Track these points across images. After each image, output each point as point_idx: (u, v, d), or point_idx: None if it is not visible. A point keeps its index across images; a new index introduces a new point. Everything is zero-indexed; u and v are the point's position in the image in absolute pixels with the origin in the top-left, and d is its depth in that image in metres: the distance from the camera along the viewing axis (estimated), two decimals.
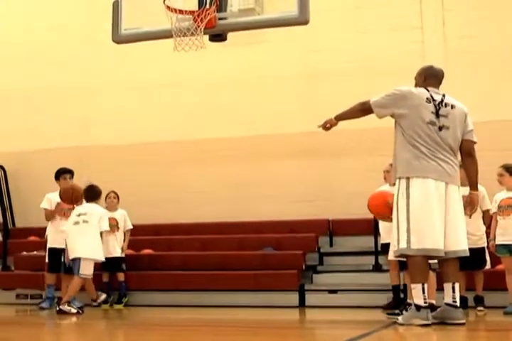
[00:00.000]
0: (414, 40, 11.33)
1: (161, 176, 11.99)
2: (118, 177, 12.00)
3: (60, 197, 8.98)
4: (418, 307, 5.88)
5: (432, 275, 6.75)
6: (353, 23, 11.66)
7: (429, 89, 6.26)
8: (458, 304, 5.98)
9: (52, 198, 9.30)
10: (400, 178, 6.05)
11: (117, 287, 9.68)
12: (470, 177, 6.27)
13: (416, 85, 6.43)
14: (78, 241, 8.40)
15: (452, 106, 6.19)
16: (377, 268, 9.68)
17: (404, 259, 6.20)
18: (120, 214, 9.93)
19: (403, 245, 5.91)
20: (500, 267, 8.34)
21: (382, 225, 8.51)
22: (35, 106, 12.92)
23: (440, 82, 6.40)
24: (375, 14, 11.57)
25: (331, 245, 10.88)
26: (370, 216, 9.28)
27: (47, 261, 9.18)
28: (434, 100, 6.15)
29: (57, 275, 9.12)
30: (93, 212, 8.59)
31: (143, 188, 11.84)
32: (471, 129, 6.27)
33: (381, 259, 9.46)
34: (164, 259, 10.46)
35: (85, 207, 8.71)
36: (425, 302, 5.88)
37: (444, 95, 6.25)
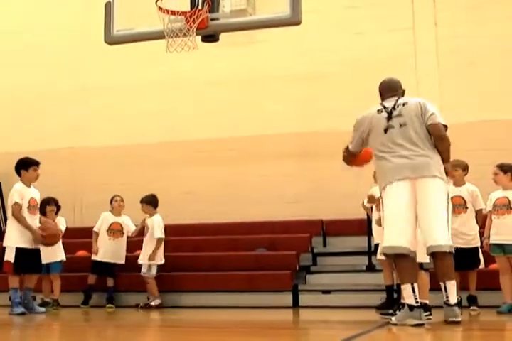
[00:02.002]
0: (407, 41, 11.36)
1: (153, 177, 11.97)
2: (110, 178, 12.01)
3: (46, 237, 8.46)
4: (411, 307, 5.88)
5: (425, 275, 6.76)
6: (346, 23, 11.68)
7: (383, 102, 6.39)
8: (451, 302, 5.91)
9: (21, 190, 8.39)
10: (382, 190, 6.20)
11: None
12: (441, 154, 6.17)
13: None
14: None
15: (404, 104, 6.23)
16: (370, 268, 9.69)
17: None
18: (125, 220, 10.00)
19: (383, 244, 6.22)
20: (493, 266, 8.35)
21: (375, 226, 8.53)
22: (27, 107, 12.90)
23: (396, 92, 6.42)
24: (368, 15, 11.59)
25: (325, 245, 10.88)
26: (364, 216, 9.35)
27: (11, 261, 8.13)
28: (385, 108, 6.28)
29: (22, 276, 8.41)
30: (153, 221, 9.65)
31: (135, 189, 11.78)
32: (432, 113, 6.15)
33: (374, 259, 9.44)
34: None
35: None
36: (417, 302, 5.88)
37: (397, 100, 6.31)
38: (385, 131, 6.14)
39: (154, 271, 9.60)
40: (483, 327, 6.08)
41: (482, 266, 8.19)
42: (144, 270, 9.60)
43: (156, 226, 9.68)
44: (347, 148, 6.58)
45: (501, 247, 7.88)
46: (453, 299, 5.91)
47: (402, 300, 6.51)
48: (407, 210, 5.95)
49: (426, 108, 6.16)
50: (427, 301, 6.49)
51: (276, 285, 9.60)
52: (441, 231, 5.90)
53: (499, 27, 10.99)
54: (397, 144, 6.09)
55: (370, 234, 9.25)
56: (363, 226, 9.62)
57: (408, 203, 5.95)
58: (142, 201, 9.84)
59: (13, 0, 13.57)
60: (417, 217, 5.98)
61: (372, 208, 8.73)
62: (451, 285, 5.93)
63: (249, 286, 9.67)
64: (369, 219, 9.12)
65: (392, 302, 8.34)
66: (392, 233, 5.97)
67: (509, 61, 10.88)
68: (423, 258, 6.30)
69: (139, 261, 9.66)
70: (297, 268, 10.05)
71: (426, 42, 11.35)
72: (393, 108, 6.21)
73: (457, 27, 11.12)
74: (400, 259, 5.97)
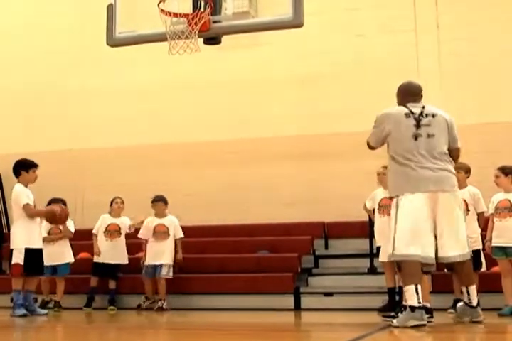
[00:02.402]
0: (408, 43, 11.36)
1: (153, 179, 11.97)
2: (110, 179, 12.02)
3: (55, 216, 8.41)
4: (412, 308, 5.92)
5: (426, 279, 6.78)
6: (348, 26, 11.68)
7: (407, 105, 6.41)
8: (474, 304, 6.18)
9: (26, 191, 8.37)
10: (395, 196, 6.27)
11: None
12: None
13: (398, 104, 6.59)
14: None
15: (433, 115, 6.34)
16: (372, 270, 9.68)
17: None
18: (124, 221, 10.00)
19: (390, 251, 6.19)
20: (495, 269, 8.34)
21: (377, 228, 8.52)
22: (27, 108, 12.91)
23: (418, 96, 6.54)
24: (370, 17, 11.59)
25: (326, 248, 10.88)
26: (365, 218, 9.35)
27: (21, 263, 8.13)
28: (413, 113, 6.31)
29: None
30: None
31: (135, 191, 11.81)
32: (456, 135, 6.44)
33: (376, 262, 9.42)
34: None
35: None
36: (419, 303, 5.93)
37: (423, 107, 6.39)
38: (415, 138, 6.24)
39: (171, 272, 9.60)
40: (485, 329, 6.07)
41: (484, 268, 8.18)
42: (164, 272, 9.50)
43: (178, 226, 9.72)
44: (368, 144, 6.61)
45: (503, 250, 7.87)
46: (475, 301, 6.19)
47: (404, 303, 6.53)
48: (427, 220, 6.12)
49: (453, 127, 6.42)
50: (427, 304, 6.50)
51: (278, 287, 9.60)
52: (464, 242, 6.25)
53: (501, 29, 11.00)
54: (421, 154, 6.22)
55: (372, 237, 9.24)
56: (365, 229, 9.62)
57: (428, 214, 6.13)
58: (160, 200, 9.78)
59: (13, 1, 13.59)
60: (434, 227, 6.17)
61: (374, 210, 8.73)
62: (473, 290, 6.22)
63: (251, 288, 9.66)
64: (371, 222, 9.11)
65: (394, 304, 8.33)
66: (420, 243, 6.06)
67: (510, 63, 10.88)
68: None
69: (162, 262, 9.52)
70: (299, 270, 10.05)
71: (428, 44, 11.36)
72: (421, 115, 6.31)
73: (459, 29, 11.12)
74: (407, 262, 6.05)
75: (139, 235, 9.81)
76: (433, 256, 6.09)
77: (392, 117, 6.36)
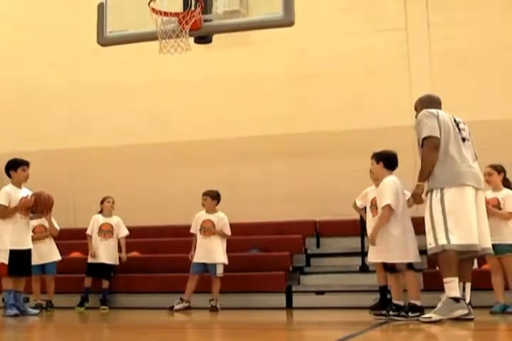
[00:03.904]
0: (399, 41, 11.38)
1: (148, 178, 11.98)
2: (104, 179, 11.99)
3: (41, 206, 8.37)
4: (456, 299, 6.10)
5: (414, 275, 6.83)
6: (339, 24, 11.68)
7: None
8: (467, 301, 6.30)
9: (10, 192, 8.36)
10: (436, 188, 6.40)
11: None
12: None
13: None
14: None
15: (464, 123, 6.69)
16: (364, 269, 9.68)
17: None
18: (116, 220, 9.96)
19: (443, 241, 6.21)
20: (486, 267, 8.36)
21: (369, 226, 8.54)
22: (19, 107, 12.86)
23: (438, 104, 6.82)
24: (361, 16, 11.60)
25: (318, 246, 10.89)
26: (357, 217, 9.36)
27: (5, 262, 8.12)
28: (452, 117, 6.61)
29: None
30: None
31: (130, 190, 11.81)
32: None
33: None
34: (151, 262, 10.46)
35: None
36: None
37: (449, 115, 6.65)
38: (463, 140, 6.54)
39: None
40: (477, 327, 6.09)
41: (475, 266, 8.19)
42: (220, 270, 9.22)
43: (226, 223, 9.40)
44: (429, 145, 6.45)
45: (492, 248, 7.85)
46: (468, 298, 6.38)
47: (394, 301, 6.58)
48: (472, 213, 6.35)
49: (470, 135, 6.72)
50: (418, 302, 6.53)
51: (270, 286, 9.61)
52: (489, 238, 6.59)
53: (492, 27, 11.02)
54: (464, 156, 6.48)
55: (363, 235, 9.26)
56: (357, 227, 9.63)
57: (472, 208, 6.36)
58: (206, 194, 9.42)
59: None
60: None
61: (365, 209, 8.74)
62: (469, 287, 6.42)
63: (242, 287, 9.66)
64: (362, 220, 9.13)
65: (385, 302, 8.37)
66: (469, 231, 6.27)
67: (502, 61, 10.91)
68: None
69: (218, 261, 9.21)
70: (291, 269, 10.06)
71: (418, 42, 11.37)
72: (455, 120, 6.59)
73: (450, 27, 11.14)
74: (455, 256, 6.21)
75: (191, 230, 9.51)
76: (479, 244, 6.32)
77: (437, 115, 6.52)
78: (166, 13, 7.27)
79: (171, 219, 11.29)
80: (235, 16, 7.39)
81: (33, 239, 9.04)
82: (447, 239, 6.17)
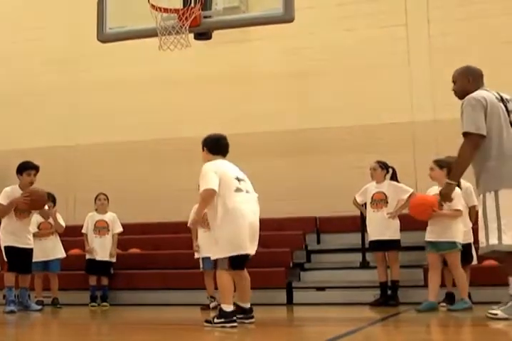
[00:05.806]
0: (399, 37, 11.37)
1: (146, 175, 11.98)
2: (103, 175, 12.00)
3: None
4: None
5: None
6: (339, 20, 11.67)
7: (485, 88, 6.12)
8: None
9: (10, 192, 8.39)
10: (488, 191, 5.91)
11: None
12: None
13: (460, 87, 6.37)
14: None
15: (510, 100, 6.07)
16: (364, 265, 9.70)
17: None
18: (111, 217, 9.92)
19: (494, 241, 5.83)
20: (486, 263, 8.36)
21: (369, 222, 8.55)
22: (18, 105, 12.86)
23: (482, 79, 6.29)
24: (361, 12, 11.59)
25: (318, 242, 10.89)
26: (357, 213, 9.36)
27: (5, 260, 8.36)
28: (500, 97, 6.04)
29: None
30: None
31: (128, 187, 11.81)
32: None
33: (368, 256, 9.48)
34: (152, 258, 10.46)
35: None
36: None
37: (493, 91, 6.08)
38: (509, 123, 5.93)
39: None
40: (475, 322, 6.09)
41: (475, 262, 8.18)
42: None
43: None
44: (469, 142, 5.99)
45: (435, 245, 7.59)
46: None
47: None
48: None
49: None
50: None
51: (270, 282, 9.59)
52: None
53: (491, 24, 11.01)
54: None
55: (364, 231, 9.27)
56: (357, 223, 9.63)
57: None
58: None
59: None
60: None
61: (365, 205, 8.75)
62: None
63: None
64: (362, 216, 9.14)
65: (386, 299, 8.38)
66: None
67: (501, 58, 10.89)
68: None
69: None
70: (291, 265, 10.06)
71: (419, 38, 11.36)
72: (501, 99, 6.01)
73: (450, 24, 11.13)
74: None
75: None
76: None
77: (489, 100, 5.96)
78: (165, 10, 7.29)
79: (172, 215, 11.27)
80: (235, 12, 7.39)
81: (38, 236, 9.11)
82: (499, 239, 5.77)
